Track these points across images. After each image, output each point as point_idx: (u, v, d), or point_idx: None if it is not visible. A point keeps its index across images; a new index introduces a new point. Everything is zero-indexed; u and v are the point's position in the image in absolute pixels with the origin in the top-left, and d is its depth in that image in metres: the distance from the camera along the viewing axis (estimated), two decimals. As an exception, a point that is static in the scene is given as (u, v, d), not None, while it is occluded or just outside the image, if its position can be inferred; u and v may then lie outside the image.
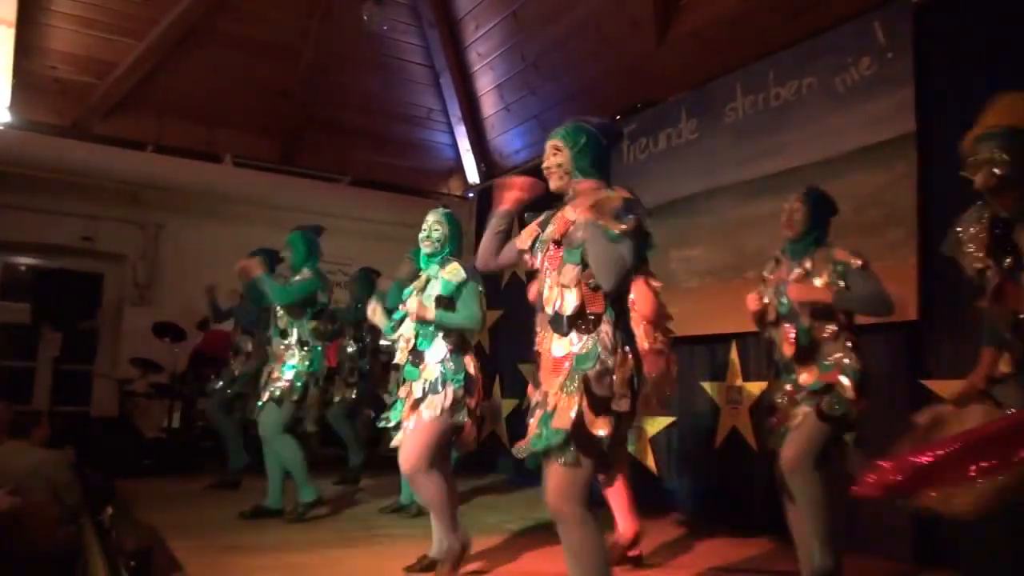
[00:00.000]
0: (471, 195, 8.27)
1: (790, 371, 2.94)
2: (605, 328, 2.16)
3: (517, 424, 5.98)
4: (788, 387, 2.92)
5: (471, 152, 8.09)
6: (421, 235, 3.29)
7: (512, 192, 2.47)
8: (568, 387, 2.13)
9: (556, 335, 2.21)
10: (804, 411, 2.83)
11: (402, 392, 3.25)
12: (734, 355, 4.79)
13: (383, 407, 4.15)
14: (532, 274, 2.41)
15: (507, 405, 6.49)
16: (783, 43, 4.66)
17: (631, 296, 2.47)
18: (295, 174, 7.68)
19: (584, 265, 2.18)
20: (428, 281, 3.23)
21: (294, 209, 7.47)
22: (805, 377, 2.87)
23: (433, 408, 3.07)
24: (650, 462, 5.18)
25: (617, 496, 3.44)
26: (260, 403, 4.33)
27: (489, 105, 7.61)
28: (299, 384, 4.28)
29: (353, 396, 5.76)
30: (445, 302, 3.14)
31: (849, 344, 2.85)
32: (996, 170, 2.24)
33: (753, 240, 4.65)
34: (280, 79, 7.34)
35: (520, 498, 5.41)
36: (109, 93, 6.78)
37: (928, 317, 3.75)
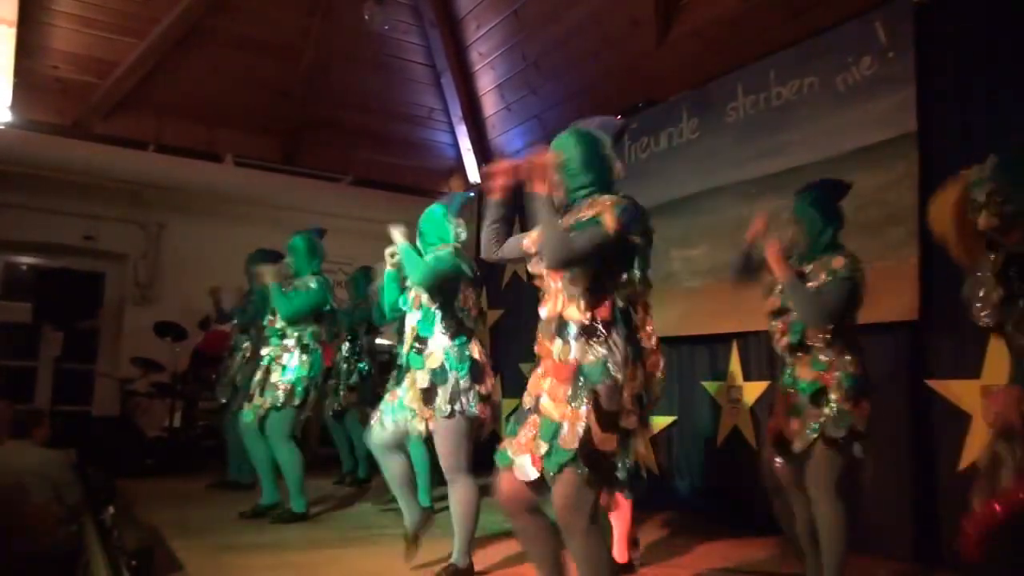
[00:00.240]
0: (472, 195, 8.26)
1: (787, 363, 2.95)
2: (616, 340, 2.10)
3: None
4: (789, 388, 2.91)
5: (472, 152, 8.09)
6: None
7: (496, 180, 2.34)
8: (576, 401, 2.07)
9: (560, 341, 2.15)
10: (806, 424, 2.80)
11: (407, 381, 3.23)
12: (735, 355, 4.79)
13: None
14: (532, 277, 2.39)
15: (508, 405, 6.49)
16: (784, 43, 4.65)
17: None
18: (296, 174, 7.68)
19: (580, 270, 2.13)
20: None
21: (295, 209, 7.48)
22: (800, 371, 2.87)
23: (444, 405, 3.06)
24: (651, 462, 5.18)
25: (619, 522, 3.42)
26: (255, 404, 4.29)
27: (490, 105, 7.61)
28: (300, 389, 4.27)
29: (341, 398, 5.71)
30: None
31: (844, 345, 2.82)
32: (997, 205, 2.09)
33: (754, 240, 4.64)
34: (281, 79, 7.34)
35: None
36: (110, 92, 6.78)
37: (929, 317, 3.75)
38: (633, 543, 3.47)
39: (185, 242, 7.36)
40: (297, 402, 4.26)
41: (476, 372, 3.16)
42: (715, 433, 4.87)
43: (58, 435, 4.80)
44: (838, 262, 2.82)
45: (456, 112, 7.92)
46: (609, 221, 2.08)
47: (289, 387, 4.25)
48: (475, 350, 3.21)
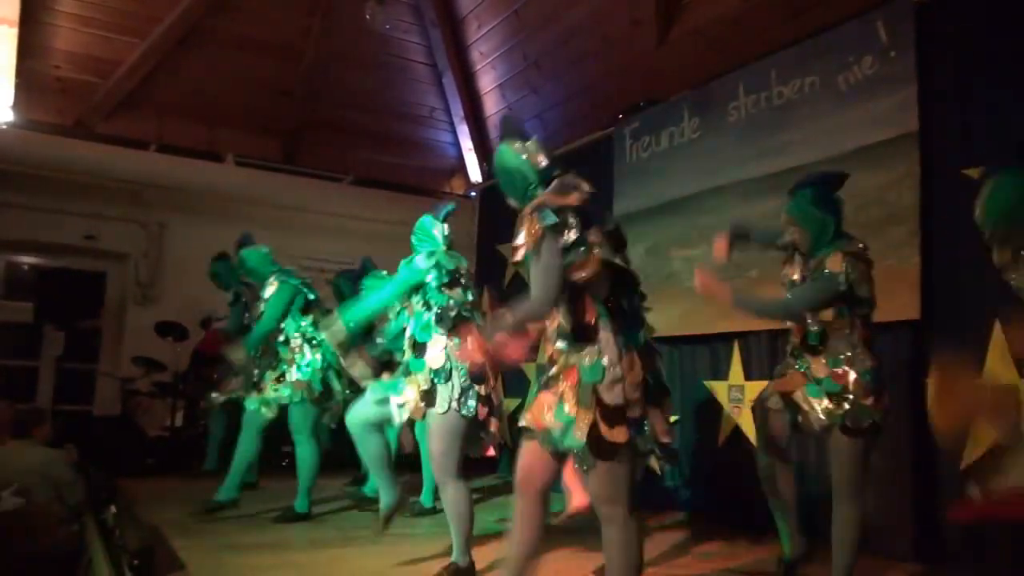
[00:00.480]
0: (473, 194, 8.27)
1: (800, 356, 2.95)
2: (605, 336, 2.19)
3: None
4: (799, 368, 2.93)
5: (473, 151, 8.09)
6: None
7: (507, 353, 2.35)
8: (583, 400, 2.15)
9: (559, 346, 2.25)
10: (824, 408, 2.80)
11: (406, 384, 3.23)
12: (736, 354, 4.79)
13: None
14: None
15: (509, 405, 6.49)
16: (785, 42, 4.65)
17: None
18: (297, 173, 7.68)
19: None
20: None
21: (296, 208, 7.50)
22: (815, 367, 2.87)
23: (442, 403, 3.07)
24: (652, 461, 5.17)
25: None
26: (265, 396, 4.30)
27: (491, 104, 7.61)
28: (317, 381, 4.33)
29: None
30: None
31: (860, 339, 2.83)
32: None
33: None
34: (282, 78, 7.35)
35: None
36: (111, 92, 6.79)
37: (929, 316, 3.75)
38: None
39: (186, 242, 7.36)
40: (317, 395, 4.32)
41: (477, 372, 3.16)
42: (716, 433, 4.87)
43: (60, 434, 4.81)
44: (835, 262, 2.80)
45: (457, 112, 7.93)
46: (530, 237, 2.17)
47: (306, 383, 4.30)
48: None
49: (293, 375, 4.32)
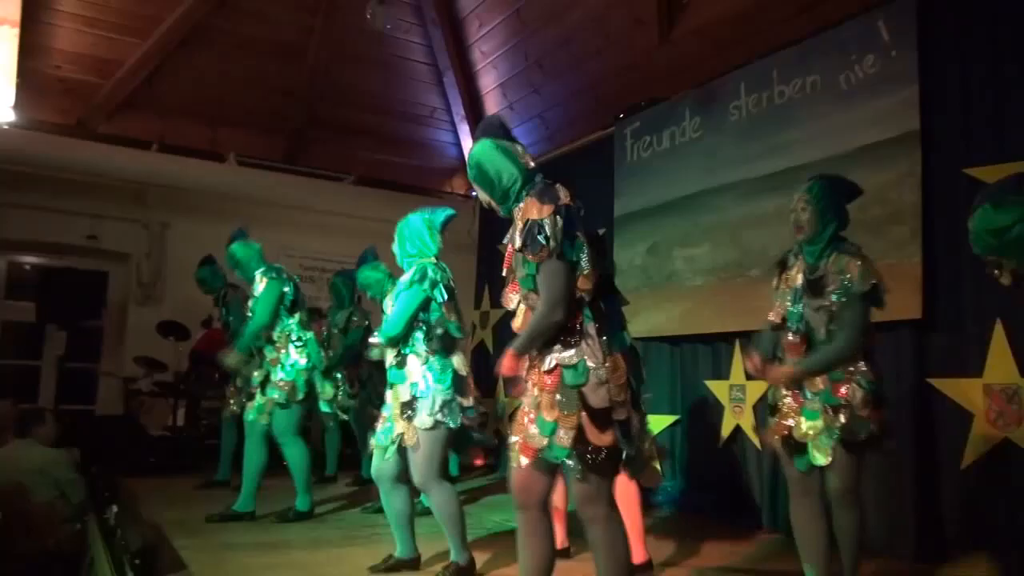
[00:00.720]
0: (474, 194, 8.26)
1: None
2: (588, 339, 2.18)
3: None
4: (793, 390, 2.87)
5: (474, 151, 8.08)
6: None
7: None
8: (566, 405, 2.14)
9: (537, 352, 2.23)
10: (819, 426, 2.75)
11: (389, 397, 3.25)
12: (737, 354, 4.79)
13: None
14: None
15: (509, 404, 6.48)
16: (787, 41, 4.64)
17: None
18: (299, 173, 7.68)
19: (533, 288, 2.22)
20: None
21: (298, 208, 7.50)
22: (815, 382, 2.78)
23: (423, 416, 3.07)
24: (654, 462, 5.18)
25: (629, 519, 3.37)
26: (258, 403, 4.29)
27: (492, 104, 7.60)
28: (301, 383, 4.29)
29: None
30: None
31: (860, 352, 2.75)
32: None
33: (757, 239, 4.64)
34: (284, 78, 7.35)
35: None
36: (113, 92, 6.80)
37: (931, 315, 3.74)
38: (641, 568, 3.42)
39: (188, 242, 7.34)
40: (300, 396, 4.28)
41: (458, 385, 3.17)
42: (717, 432, 4.86)
43: (62, 434, 4.81)
44: (852, 268, 2.69)
45: (458, 111, 7.92)
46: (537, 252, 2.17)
47: (290, 383, 4.26)
48: (457, 363, 3.21)
49: (277, 375, 4.28)
